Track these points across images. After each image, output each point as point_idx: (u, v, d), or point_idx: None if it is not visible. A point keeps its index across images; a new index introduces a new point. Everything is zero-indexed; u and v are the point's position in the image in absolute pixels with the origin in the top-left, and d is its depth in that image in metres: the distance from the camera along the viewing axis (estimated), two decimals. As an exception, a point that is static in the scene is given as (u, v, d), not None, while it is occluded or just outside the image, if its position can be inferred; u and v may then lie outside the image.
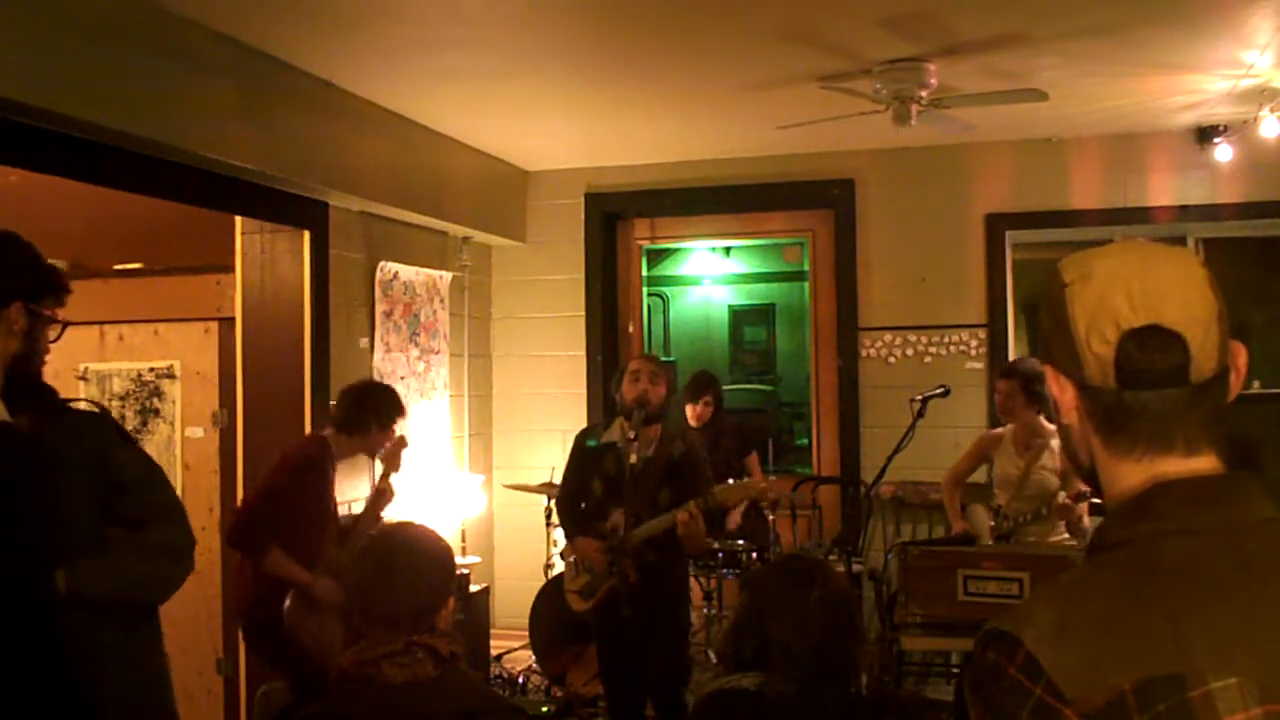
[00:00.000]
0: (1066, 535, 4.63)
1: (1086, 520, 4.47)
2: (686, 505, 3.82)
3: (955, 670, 4.61)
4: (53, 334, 2.40)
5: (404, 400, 4.31)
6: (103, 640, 2.47)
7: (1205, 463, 1.08)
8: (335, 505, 4.15)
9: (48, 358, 2.45)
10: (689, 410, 5.72)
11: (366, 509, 4.31)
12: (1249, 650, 0.96)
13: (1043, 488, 4.57)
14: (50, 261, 2.47)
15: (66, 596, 2.33)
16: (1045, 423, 4.60)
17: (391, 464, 4.27)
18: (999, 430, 4.82)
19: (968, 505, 4.85)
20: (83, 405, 2.55)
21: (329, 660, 3.73)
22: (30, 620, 2.18)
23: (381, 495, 4.25)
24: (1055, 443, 4.62)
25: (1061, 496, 4.45)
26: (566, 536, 4.35)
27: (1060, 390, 1.14)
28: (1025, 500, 4.58)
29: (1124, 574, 1.03)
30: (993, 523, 4.62)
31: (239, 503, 3.98)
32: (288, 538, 3.80)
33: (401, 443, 4.30)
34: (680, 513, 3.81)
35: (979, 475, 5.02)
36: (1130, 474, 1.09)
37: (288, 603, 3.80)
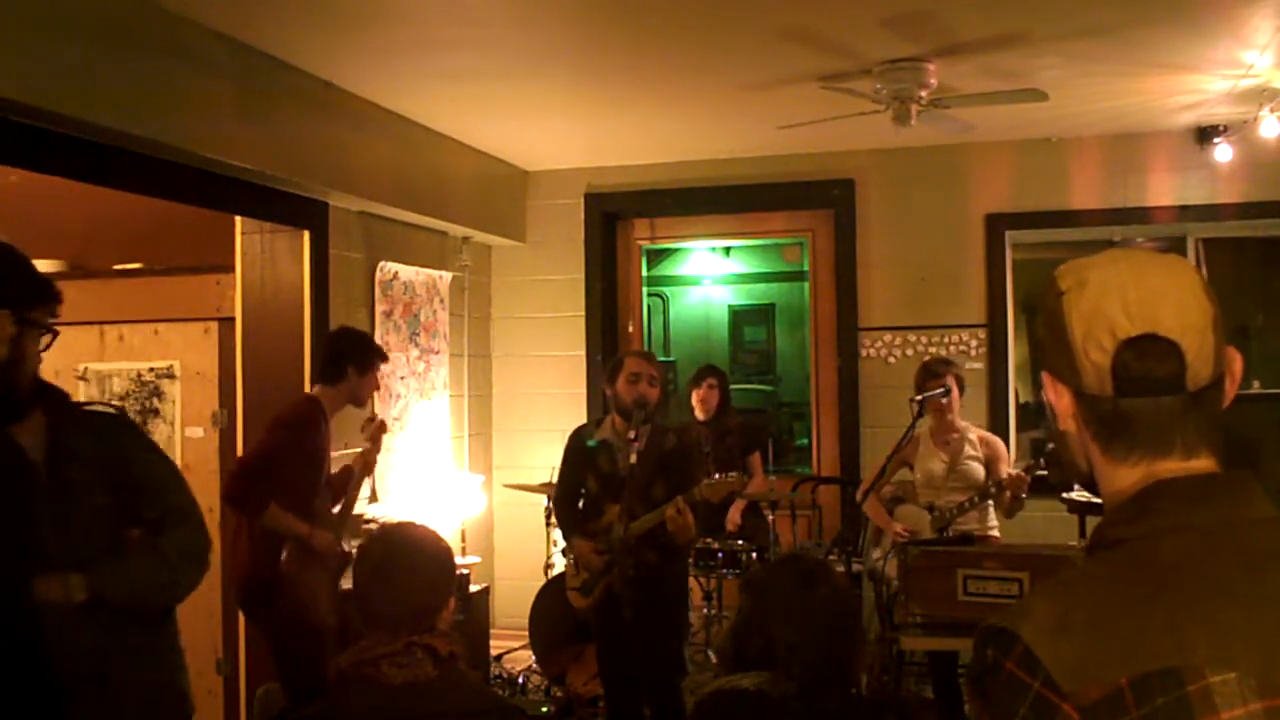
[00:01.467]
0: (992, 520, 4.73)
1: (1024, 494, 4.55)
2: (674, 500, 3.85)
3: (961, 670, 4.61)
4: (43, 343, 2.40)
5: (381, 345, 4.28)
6: (125, 644, 2.49)
7: (1202, 465, 1.09)
8: (329, 462, 4.15)
9: (45, 359, 2.47)
10: (694, 397, 5.75)
11: (356, 471, 4.28)
12: (1247, 645, 0.96)
13: (970, 478, 4.68)
14: (44, 270, 2.48)
15: (86, 600, 2.36)
16: (959, 418, 4.77)
17: (374, 445, 4.27)
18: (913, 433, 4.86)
19: (894, 507, 4.93)
20: (98, 407, 2.57)
21: (324, 615, 3.78)
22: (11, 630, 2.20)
23: (364, 466, 4.25)
24: (972, 434, 4.77)
25: (1012, 470, 4.55)
26: (564, 537, 4.36)
27: (1057, 397, 1.15)
28: (955, 493, 4.66)
29: (1123, 570, 1.04)
30: (930, 517, 4.68)
31: (235, 462, 3.97)
32: (284, 494, 3.80)
33: (381, 427, 4.31)
34: (669, 508, 3.84)
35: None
36: (1128, 477, 1.10)
37: (284, 555, 3.82)
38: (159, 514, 2.53)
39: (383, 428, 4.34)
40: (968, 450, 4.72)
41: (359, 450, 4.31)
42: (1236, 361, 1.12)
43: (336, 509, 4.18)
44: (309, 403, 4.08)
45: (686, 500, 3.84)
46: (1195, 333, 1.07)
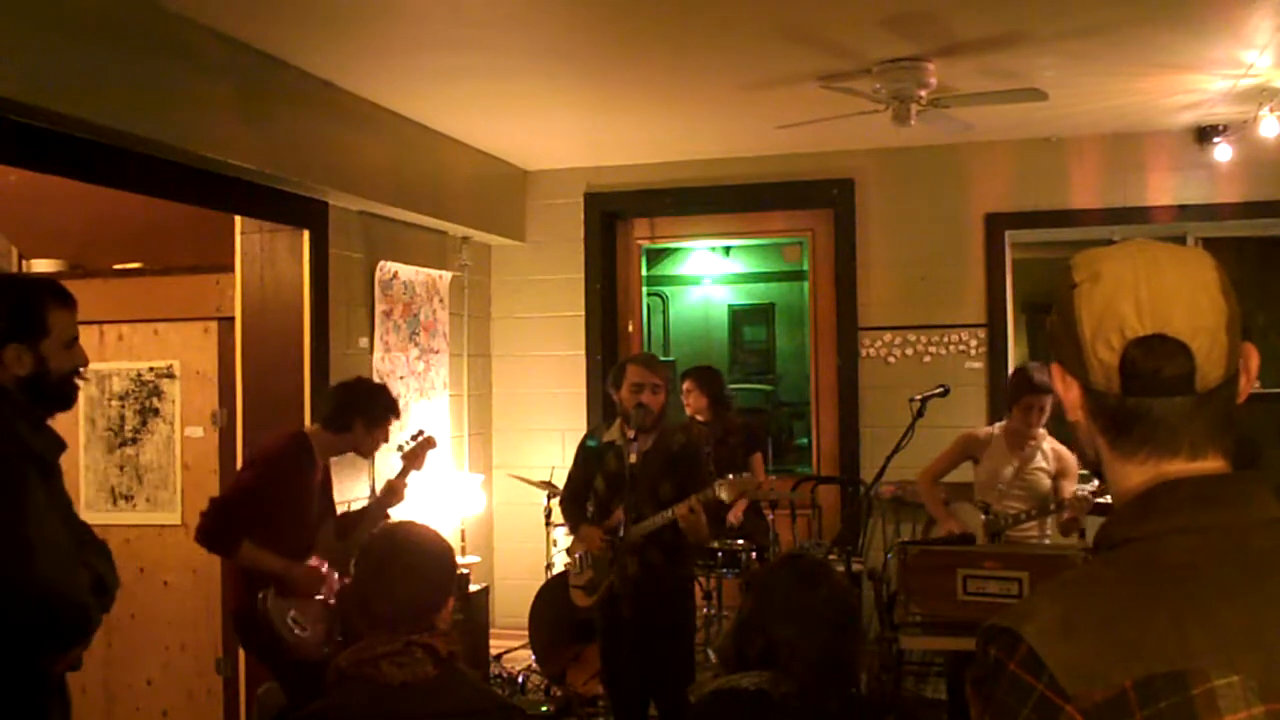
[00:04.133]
0: (1050, 534, 4.70)
1: (1084, 520, 4.52)
2: (688, 499, 3.85)
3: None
4: None
5: (397, 400, 4.18)
6: None
7: (1210, 465, 1.08)
8: (324, 499, 4.09)
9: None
10: (684, 405, 5.76)
11: (374, 504, 4.28)
12: (1251, 648, 0.96)
13: (1035, 488, 4.63)
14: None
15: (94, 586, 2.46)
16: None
17: (414, 462, 4.24)
18: (984, 430, 4.83)
19: (951, 504, 4.88)
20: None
21: (311, 650, 3.75)
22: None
23: (392, 493, 4.21)
24: (1048, 445, 4.69)
25: (1075, 489, 4.50)
26: (571, 529, 4.36)
27: (1065, 389, 1.14)
28: (1016, 500, 4.62)
29: (1128, 571, 1.03)
30: (984, 519, 4.64)
31: (209, 501, 3.90)
32: (261, 535, 3.75)
33: (429, 443, 4.27)
34: (681, 506, 3.83)
35: (955, 474, 4.99)
36: (1135, 474, 1.10)
37: (262, 594, 3.76)
38: (81, 534, 2.61)
39: (430, 444, 4.28)
40: (1039, 460, 4.66)
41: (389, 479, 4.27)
42: (1253, 358, 1.10)
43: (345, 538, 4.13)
44: (293, 440, 3.98)
45: (700, 500, 3.84)
46: (1207, 334, 1.05)
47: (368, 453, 4.18)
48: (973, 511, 4.69)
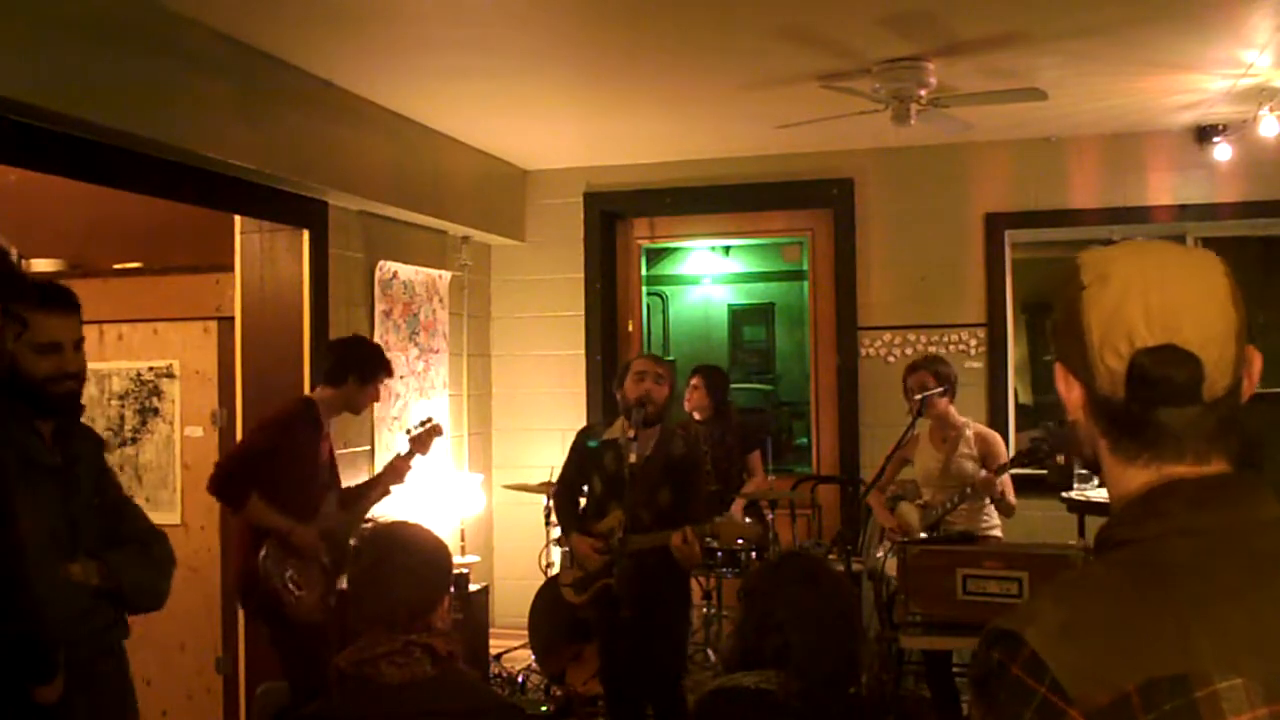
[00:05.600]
0: (989, 518, 4.77)
1: (1011, 495, 4.65)
2: (683, 529, 3.82)
3: (956, 669, 4.61)
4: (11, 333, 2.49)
5: (388, 358, 4.33)
6: (109, 639, 2.58)
7: (1214, 469, 1.07)
8: (330, 471, 4.21)
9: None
10: (686, 399, 5.75)
11: (377, 480, 4.40)
12: (1255, 650, 0.95)
13: (963, 476, 4.71)
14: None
15: (97, 585, 2.52)
16: (956, 414, 4.81)
17: (420, 447, 4.38)
18: (916, 430, 4.88)
19: (895, 505, 4.98)
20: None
21: (306, 611, 3.82)
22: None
23: (395, 471, 4.34)
24: (969, 431, 4.80)
25: (981, 472, 4.63)
26: (563, 532, 4.37)
27: (1067, 389, 1.13)
28: (949, 490, 4.70)
29: (1130, 573, 1.03)
30: (921, 513, 4.73)
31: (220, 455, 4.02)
32: (269, 494, 3.85)
33: (436, 430, 4.42)
34: (675, 535, 3.81)
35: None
36: (1136, 477, 1.09)
37: (263, 551, 3.84)
38: (138, 535, 2.71)
39: (437, 431, 4.43)
40: (962, 448, 4.75)
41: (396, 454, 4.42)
42: (1256, 362, 1.09)
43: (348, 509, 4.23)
44: (301, 403, 4.15)
45: (696, 533, 3.84)
46: (1216, 344, 1.04)
47: (359, 408, 4.30)
48: (913, 509, 4.80)
